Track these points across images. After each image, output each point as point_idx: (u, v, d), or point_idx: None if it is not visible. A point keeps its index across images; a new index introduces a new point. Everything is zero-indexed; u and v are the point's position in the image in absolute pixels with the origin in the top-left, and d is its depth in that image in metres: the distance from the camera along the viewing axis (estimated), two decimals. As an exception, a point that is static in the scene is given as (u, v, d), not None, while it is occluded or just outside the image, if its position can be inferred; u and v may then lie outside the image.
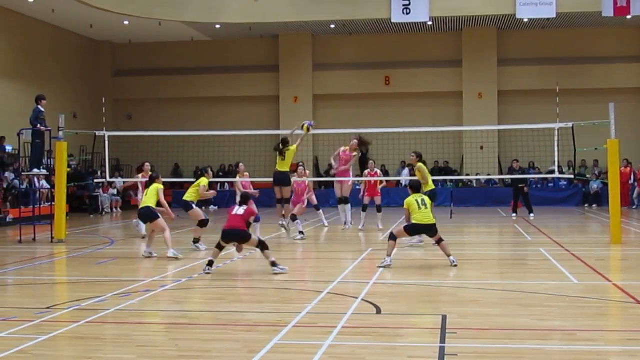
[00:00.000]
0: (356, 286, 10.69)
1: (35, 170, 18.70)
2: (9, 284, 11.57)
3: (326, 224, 21.33)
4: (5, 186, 24.37)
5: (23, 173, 21.78)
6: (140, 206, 15.04)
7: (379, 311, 8.90)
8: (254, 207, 14.12)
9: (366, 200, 20.79)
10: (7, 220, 23.08)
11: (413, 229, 13.09)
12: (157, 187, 14.78)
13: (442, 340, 7.39)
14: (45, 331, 7.88)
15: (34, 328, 8.08)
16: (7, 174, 24.89)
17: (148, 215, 14.68)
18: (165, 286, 10.84)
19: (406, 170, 31.42)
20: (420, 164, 15.86)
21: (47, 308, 9.18)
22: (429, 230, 12.97)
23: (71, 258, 14.92)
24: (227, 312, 9.18)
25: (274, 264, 11.93)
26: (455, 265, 12.65)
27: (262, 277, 11.87)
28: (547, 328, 8.06)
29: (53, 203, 18.82)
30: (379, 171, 22.01)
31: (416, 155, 16.23)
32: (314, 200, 20.56)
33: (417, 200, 12.95)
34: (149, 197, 14.71)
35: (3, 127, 26.13)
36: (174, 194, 32.98)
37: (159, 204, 14.72)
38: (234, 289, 10.83)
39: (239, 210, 12.19)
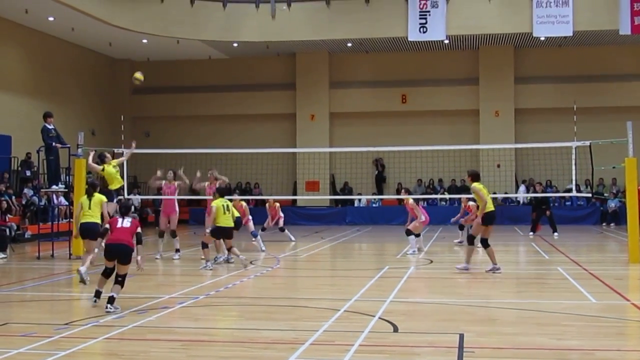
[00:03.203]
0: (373, 304, 10.67)
1: (54, 187, 18.84)
2: (27, 300, 11.64)
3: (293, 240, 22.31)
4: (24, 202, 24.57)
5: (42, 189, 21.94)
6: (89, 220, 13.81)
7: (396, 329, 8.89)
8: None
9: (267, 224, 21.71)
10: (26, 236, 23.24)
11: (216, 233, 15.35)
12: (103, 199, 14.14)
13: (460, 359, 7.37)
14: (64, 347, 7.92)
15: (52, 344, 8.13)
16: (26, 190, 25.10)
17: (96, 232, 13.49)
18: (182, 303, 10.87)
19: (523, 187, 31.20)
20: (474, 185, 14.59)
21: (66, 324, 9.24)
22: (229, 233, 15.40)
23: (89, 274, 14.97)
24: (244, 329, 9.20)
25: (111, 300, 10.16)
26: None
27: (278, 294, 11.88)
28: (565, 347, 8.01)
29: (71, 219, 18.93)
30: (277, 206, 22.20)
31: (468, 174, 14.94)
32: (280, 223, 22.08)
33: (223, 206, 15.29)
34: (94, 210, 13.86)
35: (25, 144, 26.36)
36: (191, 211, 33.21)
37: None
38: (250, 306, 10.85)
39: (125, 222, 10.78)
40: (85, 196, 14.06)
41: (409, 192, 19.37)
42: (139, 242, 10.81)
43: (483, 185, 14.78)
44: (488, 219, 14.48)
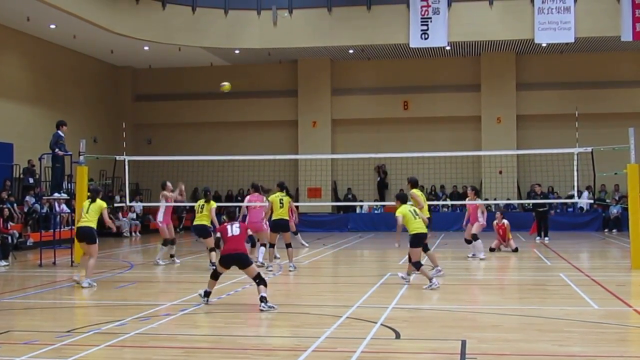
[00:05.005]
0: (375, 311, 10.67)
1: (56, 194, 18.84)
2: (30, 308, 11.64)
3: (306, 245, 22.58)
4: (26, 210, 24.57)
5: (44, 197, 21.94)
6: (84, 225, 14.18)
7: (398, 336, 8.88)
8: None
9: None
10: (28, 243, 23.23)
11: (417, 240, 13.46)
12: (103, 205, 14.24)
13: (462, 366, 7.37)
14: (66, 355, 7.92)
15: (54, 351, 8.13)
16: (28, 198, 25.10)
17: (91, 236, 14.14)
18: (185, 310, 10.87)
19: (586, 193, 30.45)
20: (413, 191, 15.22)
21: (68, 332, 9.24)
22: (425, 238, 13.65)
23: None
24: (247, 336, 9.19)
25: (263, 299, 10.90)
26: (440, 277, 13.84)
27: (280, 301, 11.86)
28: (567, 354, 8.00)
29: (73, 227, 18.91)
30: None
31: (408, 180, 15.55)
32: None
33: (410, 211, 13.54)
34: (92, 215, 14.06)
35: (26, 152, 26.41)
36: (194, 218, 33.12)
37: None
38: (253, 312, 10.84)
39: (235, 229, 11.38)
40: (88, 201, 14.34)
41: (476, 194, 19.47)
42: (253, 244, 11.22)
43: (421, 192, 15.62)
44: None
